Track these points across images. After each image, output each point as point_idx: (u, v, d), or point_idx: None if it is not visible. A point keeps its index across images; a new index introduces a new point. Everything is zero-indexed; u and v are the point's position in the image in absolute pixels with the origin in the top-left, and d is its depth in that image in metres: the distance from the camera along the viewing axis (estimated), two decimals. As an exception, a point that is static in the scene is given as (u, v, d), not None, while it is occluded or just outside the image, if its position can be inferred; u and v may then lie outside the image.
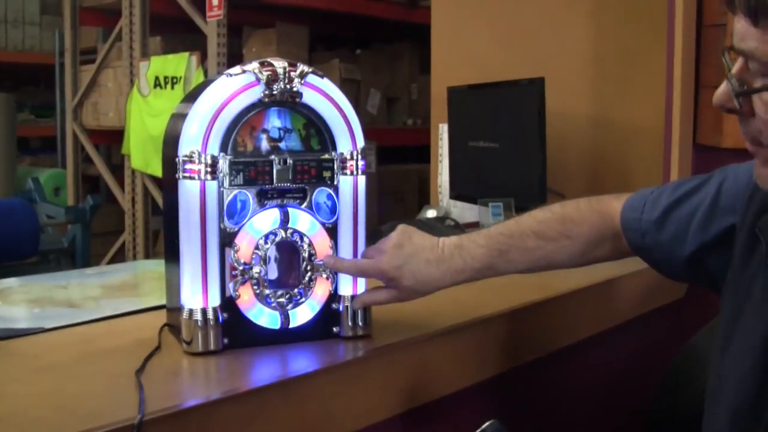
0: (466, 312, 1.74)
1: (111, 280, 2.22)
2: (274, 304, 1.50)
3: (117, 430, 1.13)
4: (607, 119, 2.92)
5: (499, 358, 1.81)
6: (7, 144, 7.45)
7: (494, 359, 1.80)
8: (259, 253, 1.48)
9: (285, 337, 1.52)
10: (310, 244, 1.53)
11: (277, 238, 1.50)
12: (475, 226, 2.69)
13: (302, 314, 1.53)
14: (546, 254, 1.56)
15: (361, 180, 1.56)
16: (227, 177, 1.45)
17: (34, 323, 1.70)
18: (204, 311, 1.45)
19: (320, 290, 1.55)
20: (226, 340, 1.48)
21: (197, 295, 1.45)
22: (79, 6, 6.76)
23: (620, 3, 2.88)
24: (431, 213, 3.07)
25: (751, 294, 1.24)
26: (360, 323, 1.57)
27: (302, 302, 1.53)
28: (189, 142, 1.42)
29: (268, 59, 1.47)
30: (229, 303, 1.48)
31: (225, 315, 1.47)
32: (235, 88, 1.44)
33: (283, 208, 1.50)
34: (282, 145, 1.52)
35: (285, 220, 1.50)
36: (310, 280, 1.54)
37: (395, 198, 6.89)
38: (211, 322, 1.45)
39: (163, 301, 1.63)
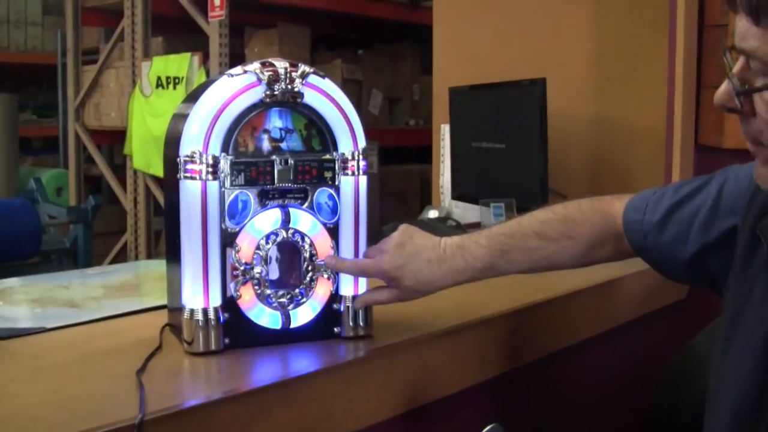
0: (467, 312, 1.74)
1: (112, 280, 2.22)
2: (275, 305, 1.50)
3: (118, 429, 1.13)
4: (608, 119, 2.92)
5: (500, 359, 1.81)
6: (10, 144, 7.45)
7: (495, 360, 1.80)
8: (261, 254, 1.48)
9: (286, 338, 1.52)
10: (312, 245, 1.53)
11: (279, 239, 1.50)
12: (476, 226, 2.69)
13: (303, 314, 1.53)
14: (548, 255, 1.56)
15: (363, 180, 1.56)
16: (228, 177, 1.45)
17: (36, 323, 1.70)
18: (205, 311, 1.45)
19: (321, 290, 1.55)
20: (227, 340, 1.48)
21: (198, 295, 1.45)
22: (81, 6, 6.77)
23: (622, 3, 2.88)
24: (433, 213, 3.07)
25: (752, 295, 1.24)
26: (361, 323, 1.57)
27: (303, 302, 1.53)
28: (190, 143, 1.42)
29: (270, 59, 1.47)
30: (230, 303, 1.48)
31: (226, 315, 1.47)
32: (236, 89, 1.44)
33: (284, 208, 1.50)
34: (283, 145, 1.52)
35: (286, 221, 1.50)
36: (312, 280, 1.54)
37: (397, 198, 6.90)
38: (212, 322, 1.45)
39: (165, 301, 1.63)
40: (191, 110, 1.43)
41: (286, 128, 1.52)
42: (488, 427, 1.30)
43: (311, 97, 1.49)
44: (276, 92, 1.45)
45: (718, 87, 1.12)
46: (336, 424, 1.45)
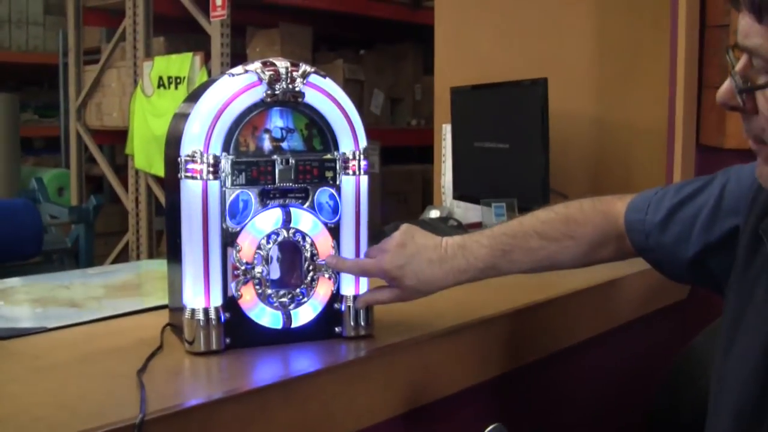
0: (468, 312, 1.74)
1: (114, 280, 2.22)
2: (276, 304, 1.50)
3: (118, 429, 1.13)
4: (610, 119, 2.92)
5: (501, 359, 1.81)
6: (11, 144, 7.46)
7: (496, 360, 1.80)
8: (261, 253, 1.48)
9: (287, 337, 1.52)
10: (313, 244, 1.53)
11: (280, 238, 1.50)
12: (478, 226, 2.69)
13: (304, 314, 1.53)
14: (549, 255, 1.56)
15: (364, 180, 1.55)
16: (229, 177, 1.45)
17: (37, 323, 1.70)
18: (206, 311, 1.45)
19: (322, 290, 1.55)
20: (228, 340, 1.47)
21: (199, 295, 1.45)
22: (82, 6, 6.77)
23: (623, 3, 2.88)
24: (434, 213, 3.07)
25: (753, 295, 1.24)
26: (362, 323, 1.57)
27: (304, 302, 1.53)
28: (191, 142, 1.42)
29: (271, 59, 1.47)
30: (231, 303, 1.47)
31: (227, 315, 1.47)
32: (237, 88, 1.44)
33: (285, 208, 1.50)
34: (284, 144, 1.52)
35: (287, 220, 1.50)
36: (313, 280, 1.53)
37: (399, 198, 6.90)
38: (213, 322, 1.45)
39: (166, 301, 1.63)
40: (192, 110, 1.43)
41: (287, 128, 1.52)
42: (490, 427, 1.30)
43: (312, 97, 1.49)
44: (277, 92, 1.45)
45: (719, 87, 1.12)
46: (337, 424, 1.45)
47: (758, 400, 1.18)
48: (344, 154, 1.54)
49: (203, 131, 1.42)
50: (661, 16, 2.64)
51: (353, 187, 1.55)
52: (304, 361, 1.48)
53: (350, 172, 1.54)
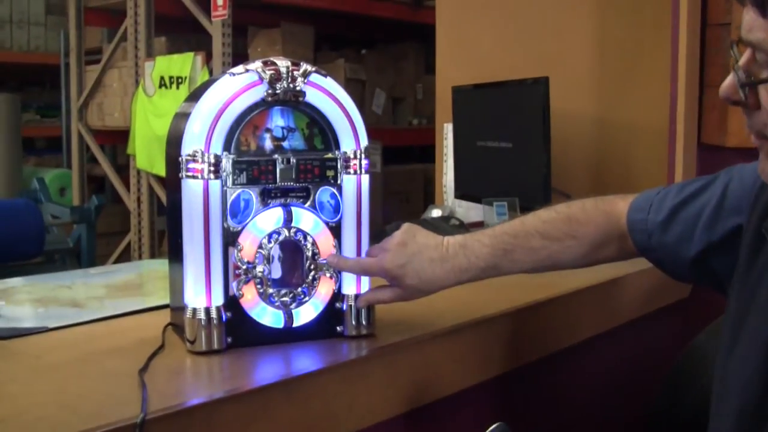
0: (469, 311, 1.74)
1: (115, 279, 2.22)
2: (277, 304, 1.50)
3: (119, 429, 1.13)
4: (611, 118, 2.92)
5: (503, 358, 1.81)
6: (13, 144, 7.46)
7: (498, 359, 1.80)
8: (263, 253, 1.48)
9: (288, 337, 1.52)
10: (314, 243, 1.52)
11: (281, 238, 1.49)
12: (479, 225, 2.69)
13: (306, 313, 1.53)
14: (551, 254, 1.56)
15: (365, 179, 1.55)
16: (230, 176, 1.45)
17: (38, 323, 1.69)
18: (207, 310, 1.45)
19: (324, 289, 1.55)
20: (229, 339, 1.47)
21: (201, 295, 1.45)
22: (84, 6, 6.78)
23: (625, 2, 2.88)
24: (436, 212, 3.07)
25: (756, 295, 1.24)
26: (363, 322, 1.57)
27: (306, 301, 1.53)
28: (192, 141, 1.42)
29: (272, 58, 1.47)
30: (232, 302, 1.47)
31: (228, 314, 1.47)
32: (238, 87, 1.43)
33: (286, 207, 1.50)
34: (285, 144, 1.52)
35: (288, 219, 1.49)
36: (314, 279, 1.53)
37: (400, 198, 6.90)
38: (215, 321, 1.45)
39: (167, 301, 1.63)
40: (193, 109, 1.43)
41: (288, 127, 1.52)
42: (493, 426, 1.29)
43: (313, 96, 1.49)
44: (278, 91, 1.45)
45: (721, 86, 1.12)
46: (338, 423, 1.44)
47: (761, 399, 1.18)
48: (345, 153, 1.54)
49: (204, 130, 1.42)
50: (663, 15, 2.64)
51: (354, 186, 1.54)
52: (305, 361, 1.48)
53: (351, 171, 1.54)
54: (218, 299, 1.46)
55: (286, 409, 1.35)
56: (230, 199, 1.46)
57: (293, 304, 1.51)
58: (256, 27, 6.51)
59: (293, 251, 1.52)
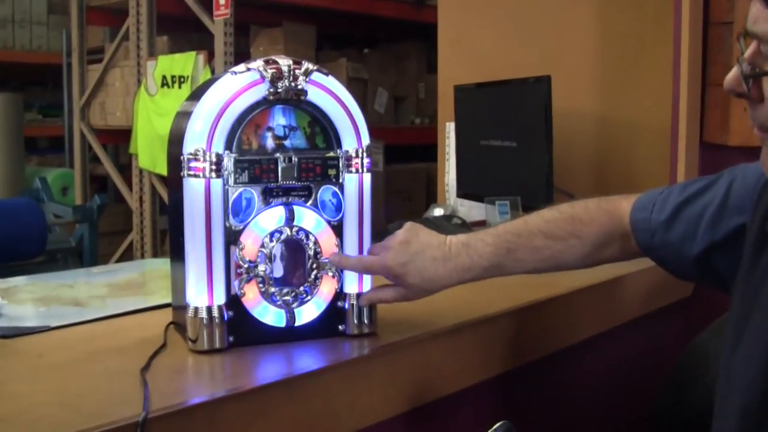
0: (471, 310, 1.74)
1: (117, 278, 2.22)
2: (279, 303, 1.50)
3: (121, 428, 1.13)
4: (613, 117, 2.92)
5: (504, 357, 1.81)
6: (15, 144, 7.48)
7: (499, 358, 1.80)
8: (265, 251, 1.48)
9: (290, 335, 1.52)
10: (316, 242, 1.52)
11: (283, 236, 1.49)
12: (482, 224, 2.69)
13: (308, 312, 1.53)
14: (554, 254, 1.56)
15: (367, 178, 1.55)
16: (232, 175, 1.45)
17: (40, 322, 1.69)
18: (209, 309, 1.45)
19: (326, 288, 1.55)
20: (231, 338, 1.47)
21: (202, 294, 1.45)
22: (86, 5, 6.78)
23: (627, 1, 2.88)
24: (438, 211, 3.07)
25: (760, 294, 1.23)
26: (365, 321, 1.56)
27: (308, 300, 1.52)
28: (194, 140, 1.42)
29: (273, 57, 1.47)
30: (234, 301, 1.47)
31: (230, 313, 1.47)
32: (239, 86, 1.43)
33: (288, 206, 1.50)
34: (287, 143, 1.52)
35: (290, 218, 1.49)
36: (316, 278, 1.53)
37: (403, 197, 6.90)
38: (217, 320, 1.45)
39: (169, 300, 1.63)
40: (194, 108, 1.43)
41: (289, 126, 1.52)
42: (497, 425, 1.29)
43: (315, 95, 1.49)
44: (279, 90, 1.45)
45: (722, 85, 1.11)
46: (340, 422, 1.44)
47: (764, 397, 1.18)
48: (347, 151, 1.53)
49: (206, 129, 1.42)
50: (665, 14, 2.64)
51: (356, 184, 1.54)
52: (307, 359, 1.48)
53: (353, 169, 1.54)
54: (220, 298, 1.46)
55: (288, 408, 1.35)
56: (232, 197, 1.45)
57: (295, 303, 1.51)
58: (258, 26, 6.51)
59: (295, 250, 1.52)
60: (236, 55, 5.28)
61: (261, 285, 1.48)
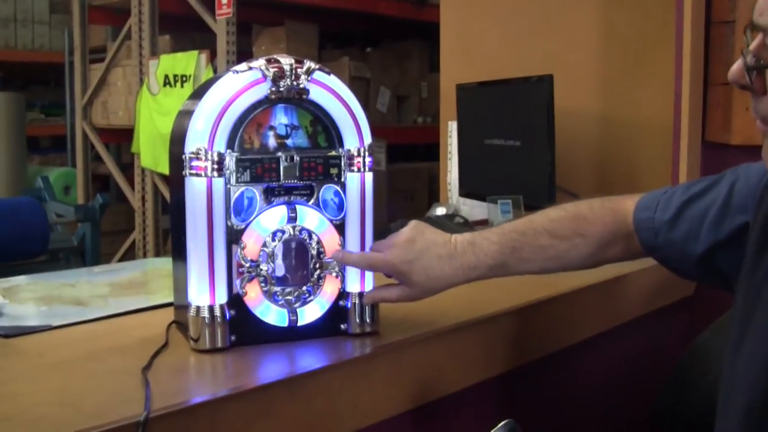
0: (473, 309, 1.74)
1: (119, 278, 2.22)
2: (281, 302, 1.50)
3: (123, 427, 1.13)
4: (615, 116, 2.92)
5: (507, 356, 1.81)
6: (17, 143, 7.48)
7: (502, 357, 1.80)
8: (266, 251, 1.48)
9: (292, 335, 1.51)
10: (319, 242, 1.52)
11: (285, 236, 1.49)
12: (484, 223, 2.68)
13: (311, 312, 1.53)
14: (558, 253, 1.55)
15: (369, 177, 1.55)
16: (234, 174, 1.45)
17: (42, 321, 1.70)
18: (211, 308, 1.45)
19: (329, 288, 1.54)
20: (233, 338, 1.47)
21: (204, 293, 1.45)
22: (88, 4, 6.78)
23: (629, 0, 2.88)
24: (440, 210, 3.07)
25: (763, 293, 1.23)
26: (367, 320, 1.56)
27: (310, 300, 1.52)
28: (195, 139, 1.42)
29: (275, 56, 1.46)
30: (236, 300, 1.47)
31: (232, 312, 1.47)
32: (241, 85, 1.43)
33: (290, 205, 1.49)
34: (289, 142, 1.52)
35: (293, 218, 1.49)
36: (319, 278, 1.53)
37: (405, 196, 6.91)
38: (219, 320, 1.45)
39: (171, 299, 1.63)
40: (196, 107, 1.43)
41: (291, 125, 1.52)
42: (502, 423, 1.29)
43: (317, 94, 1.48)
44: (281, 89, 1.45)
45: (725, 84, 1.11)
46: (342, 421, 1.44)
47: (767, 396, 1.18)
48: (349, 150, 1.53)
49: (207, 128, 1.41)
50: (667, 13, 2.64)
51: (358, 184, 1.54)
52: (309, 358, 1.48)
53: (355, 168, 1.53)
54: (222, 297, 1.46)
55: (290, 407, 1.35)
56: (234, 197, 1.45)
57: (297, 303, 1.51)
58: (261, 25, 6.51)
59: (297, 250, 1.52)
60: (238, 54, 5.28)
61: (263, 284, 1.48)
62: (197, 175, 1.42)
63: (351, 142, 1.53)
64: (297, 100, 1.48)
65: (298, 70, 1.46)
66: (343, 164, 1.53)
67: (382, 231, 1.64)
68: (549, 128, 2.60)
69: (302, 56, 1.50)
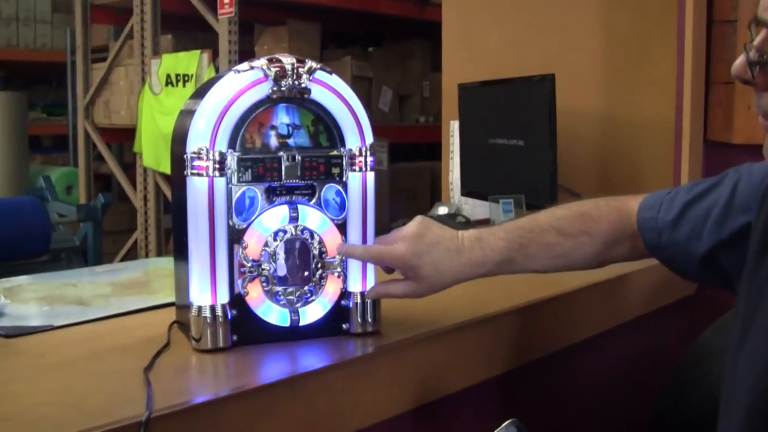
0: (475, 309, 1.74)
1: (121, 277, 2.22)
2: (283, 302, 1.50)
3: (125, 427, 1.13)
4: (617, 115, 2.92)
5: (509, 355, 1.81)
6: (19, 142, 7.47)
7: (503, 356, 1.80)
8: (268, 250, 1.48)
9: (294, 334, 1.51)
10: (321, 242, 1.52)
11: (287, 236, 1.49)
12: (485, 222, 2.68)
13: (313, 312, 1.53)
14: (565, 251, 1.55)
15: (370, 176, 1.55)
16: (235, 174, 1.45)
17: (44, 321, 1.70)
18: (213, 308, 1.45)
19: (332, 288, 1.54)
20: (234, 337, 1.47)
21: (206, 293, 1.45)
22: (90, 4, 6.78)
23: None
24: (442, 210, 3.07)
25: (764, 293, 1.23)
26: (369, 320, 1.56)
27: (312, 300, 1.52)
28: (197, 139, 1.42)
29: (277, 55, 1.46)
30: (238, 300, 1.47)
31: (234, 312, 1.47)
32: (243, 85, 1.43)
33: (292, 204, 1.49)
34: (290, 141, 1.52)
35: (294, 217, 1.49)
36: (321, 278, 1.53)
37: (407, 195, 6.91)
38: (220, 319, 1.45)
39: (173, 299, 1.63)
40: (198, 106, 1.43)
41: (293, 124, 1.52)
42: (506, 422, 1.29)
43: (318, 93, 1.48)
44: (283, 88, 1.45)
45: (727, 83, 1.11)
46: (344, 421, 1.44)
47: (769, 395, 1.18)
48: (350, 150, 1.53)
49: (209, 128, 1.41)
50: (668, 12, 2.64)
51: (360, 183, 1.54)
52: (311, 358, 1.48)
53: (357, 168, 1.53)
54: (223, 297, 1.45)
55: (292, 406, 1.35)
56: (235, 196, 1.45)
57: (299, 303, 1.51)
58: (263, 24, 6.51)
59: (299, 249, 1.52)
60: (240, 53, 5.27)
61: (265, 284, 1.48)
62: (199, 174, 1.42)
63: (353, 142, 1.53)
64: (299, 99, 1.48)
65: (300, 70, 1.46)
66: (344, 164, 1.53)
67: (383, 231, 1.63)
68: (551, 128, 2.60)
69: (304, 56, 1.50)
